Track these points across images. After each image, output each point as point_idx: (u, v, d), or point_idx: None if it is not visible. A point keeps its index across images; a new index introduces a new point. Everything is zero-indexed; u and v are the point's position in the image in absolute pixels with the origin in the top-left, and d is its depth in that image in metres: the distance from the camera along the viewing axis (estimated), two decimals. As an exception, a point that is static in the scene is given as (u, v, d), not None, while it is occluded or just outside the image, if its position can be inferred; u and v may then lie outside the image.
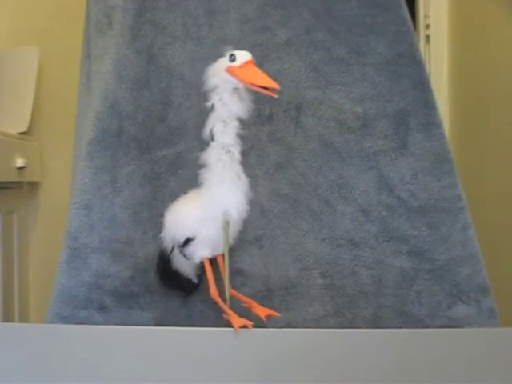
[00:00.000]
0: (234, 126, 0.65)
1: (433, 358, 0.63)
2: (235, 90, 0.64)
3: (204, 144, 0.66)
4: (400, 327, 0.76)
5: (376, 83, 0.84)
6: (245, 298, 0.72)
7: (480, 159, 1.41)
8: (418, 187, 0.81)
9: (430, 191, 0.81)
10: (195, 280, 0.75)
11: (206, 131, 0.66)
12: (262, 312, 0.70)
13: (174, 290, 0.77)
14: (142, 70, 0.83)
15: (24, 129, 1.58)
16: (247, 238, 0.80)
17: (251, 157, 0.82)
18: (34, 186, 1.69)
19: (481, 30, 1.45)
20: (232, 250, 0.79)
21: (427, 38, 1.66)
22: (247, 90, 0.65)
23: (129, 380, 0.64)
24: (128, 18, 0.84)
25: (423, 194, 0.80)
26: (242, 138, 0.65)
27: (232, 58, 0.64)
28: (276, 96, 0.62)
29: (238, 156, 0.65)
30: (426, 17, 1.65)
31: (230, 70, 0.64)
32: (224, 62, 0.65)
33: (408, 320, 0.77)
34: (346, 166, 0.82)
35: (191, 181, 0.81)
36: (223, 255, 0.68)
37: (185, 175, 0.81)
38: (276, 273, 0.79)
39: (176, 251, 0.71)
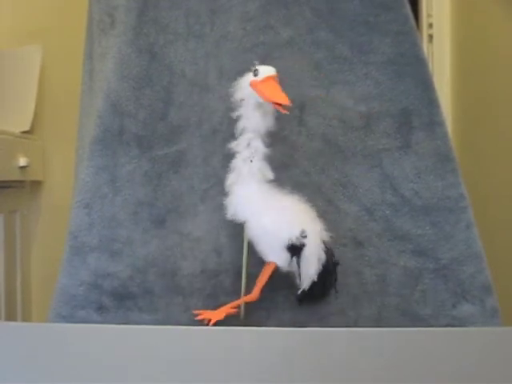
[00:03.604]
0: (255, 138, 0.67)
1: (437, 358, 0.63)
2: (259, 104, 0.66)
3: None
4: (404, 327, 0.76)
5: (379, 82, 0.84)
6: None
7: (482, 158, 1.41)
8: (421, 186, 0.80)
9: (434, 190, 0.80)
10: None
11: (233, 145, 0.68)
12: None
13: None
14: (143, 68, 0.83)
15: (26, 128, 1.58)
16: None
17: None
18: (36, 185, 1.69)
19: (483, 29, 1.45)
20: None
21: (430, 37, 1.66)
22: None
23: (129, 380, 0.64)
24: (131, 17, 0.84)
25: (427, 193, 0.80)
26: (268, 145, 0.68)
27: (255, 73, 0.66)
28: (285, 112, 0.64)
29: (258, 165, 0.67)
30: (429, 16, 1.65)
31: (252, 85, 0.65)
32: (249, 76, 0.66)
33: (412, 319, 0.77)
34: (350, 164, 0.82)
35: (193, 180, 0.81)
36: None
37: (186, 174, 0.81)
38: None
39: None
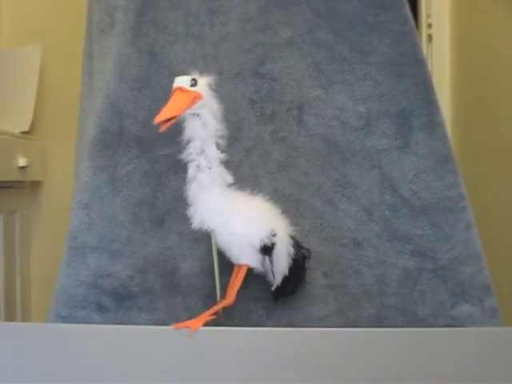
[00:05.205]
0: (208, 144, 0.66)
1: (436, 358, 0.63)
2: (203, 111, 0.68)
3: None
4: (403, 327, 0.76)
5: (378, 82, 0.84)
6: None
7: (482, 158, 1.41)
8: (420, 186, 0.80)
9: (433, 190, 0.80)
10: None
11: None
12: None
13: None
14: (143, 68, 0.83)
15: (26, 128, 1.58)
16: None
17: (254, 156, 0.82)
18: (36, 185, 1.69)
19: (483, 30, 1.45)
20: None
21: (429, 37, 1.66)
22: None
23: (129, 380, 0.64)
24: (130, 18, 0.84)
25: (426, 193, 0.80)
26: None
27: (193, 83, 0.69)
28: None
29: (218, 171, 0.66)
30: (428, 16, 1.65)
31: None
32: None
33: (411, 319, 0.77)
34: (349, 165, 0.82)
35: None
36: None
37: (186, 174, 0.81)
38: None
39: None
